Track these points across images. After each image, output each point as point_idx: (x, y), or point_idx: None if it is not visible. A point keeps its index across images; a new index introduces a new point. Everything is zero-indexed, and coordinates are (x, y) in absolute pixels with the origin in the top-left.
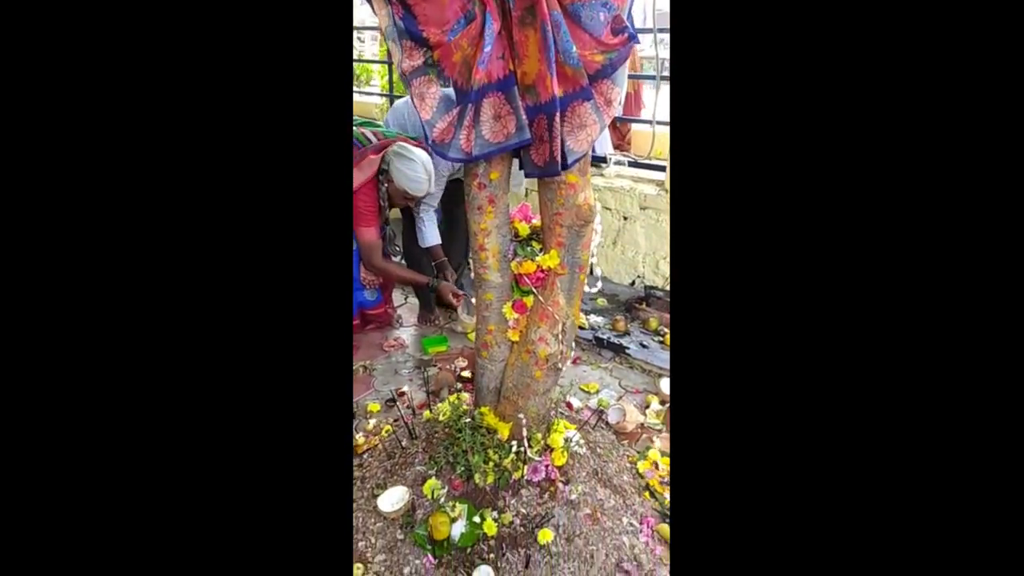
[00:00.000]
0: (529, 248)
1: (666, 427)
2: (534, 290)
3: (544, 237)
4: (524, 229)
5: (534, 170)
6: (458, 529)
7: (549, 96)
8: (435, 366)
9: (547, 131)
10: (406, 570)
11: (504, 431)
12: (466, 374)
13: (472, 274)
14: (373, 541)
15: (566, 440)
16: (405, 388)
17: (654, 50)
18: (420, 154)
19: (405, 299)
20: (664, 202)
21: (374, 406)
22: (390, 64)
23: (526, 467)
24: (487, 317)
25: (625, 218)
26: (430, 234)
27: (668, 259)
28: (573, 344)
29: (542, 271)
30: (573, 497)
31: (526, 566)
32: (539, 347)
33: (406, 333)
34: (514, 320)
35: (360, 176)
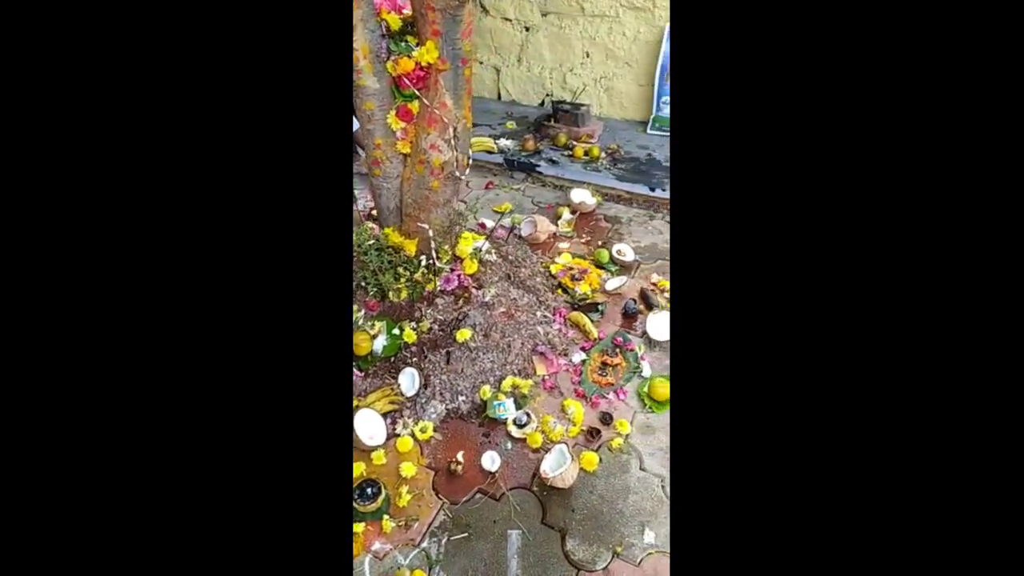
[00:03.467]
0: (404, 43)
1: (575, 234)
2: (416, 92)
3: (418, 28)
4: (395, 21)
5: None
6: (379, 343)
7: None
8: None
9: None
10: None
11: (410, 247)
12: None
13: None
14: None
15: (475, 249)
16: None
17: None
18: None
19: None
20: (566, 4)
21: None
22: None
23: (438, 279)
24: (372, 131)
25: (527, 28)
26: None
27: (575, 71)
28: (470, 151)
29: (421, 68)
30: (487, 299)
31: (448, 362)
32: (432, 155)
33: None
34: (401, 130)
35: None
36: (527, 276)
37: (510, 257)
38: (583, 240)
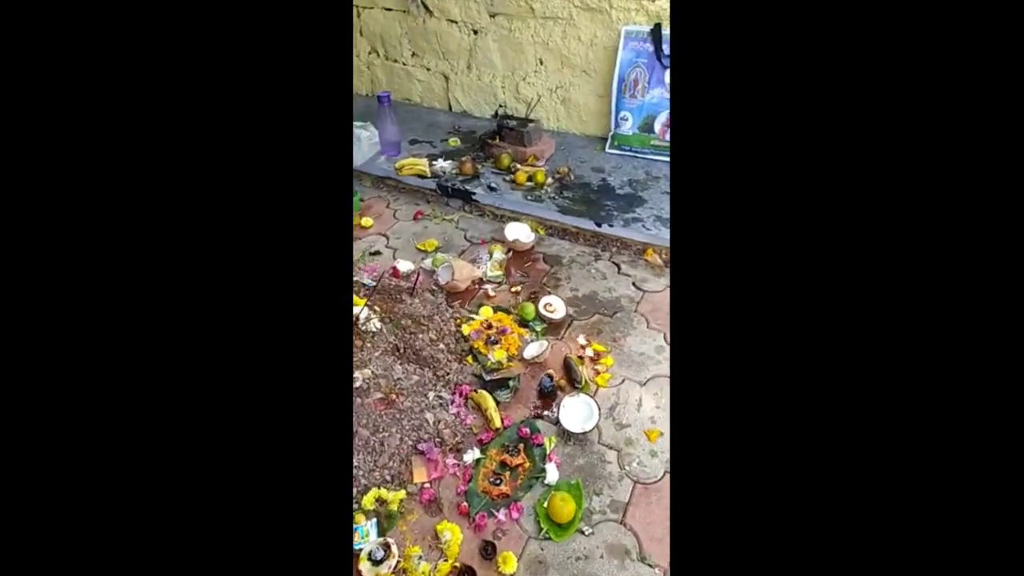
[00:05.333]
0: None
1: (505, 279)
2: None
3: None
4: None
5: None
6: None
7: None
8: None
9: None
10: None
11: None
12: None
13: None
14: None
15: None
16: None
17: None
18: None
19: None
20: (515, 5)
21: None
22: None
23: None
24: None
25: (475, 32)
26: None
27: (528, 80)
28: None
29: None
30: (359, 384)
31: None
32: None
33: None
34: None
35: None
36: (427, 343)
37: (404, 321)
38: (513, 288)
